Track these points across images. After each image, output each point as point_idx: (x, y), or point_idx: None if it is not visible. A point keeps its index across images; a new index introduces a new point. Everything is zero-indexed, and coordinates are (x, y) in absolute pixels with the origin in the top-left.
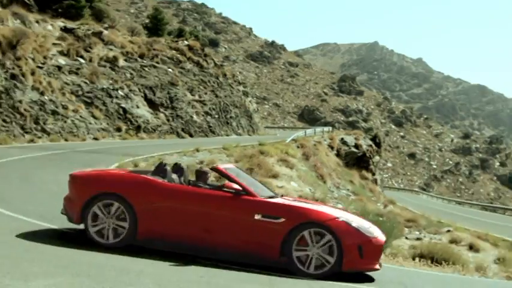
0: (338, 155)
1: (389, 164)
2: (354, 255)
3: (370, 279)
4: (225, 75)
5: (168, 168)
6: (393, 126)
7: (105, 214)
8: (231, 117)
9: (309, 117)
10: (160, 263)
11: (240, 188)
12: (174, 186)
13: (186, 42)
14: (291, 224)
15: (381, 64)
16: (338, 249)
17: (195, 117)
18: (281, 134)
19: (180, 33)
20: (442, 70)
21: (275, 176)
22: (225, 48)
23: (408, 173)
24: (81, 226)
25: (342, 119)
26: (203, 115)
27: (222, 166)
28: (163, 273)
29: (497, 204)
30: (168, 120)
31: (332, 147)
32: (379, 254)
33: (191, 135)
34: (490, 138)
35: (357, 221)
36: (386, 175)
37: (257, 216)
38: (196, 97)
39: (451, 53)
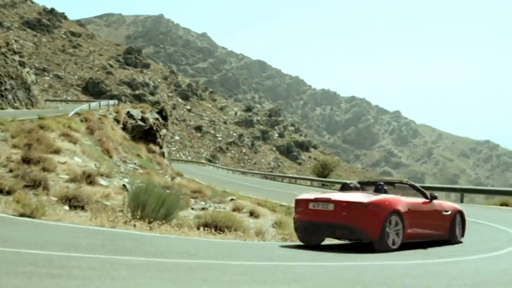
0: (124, 128)
1: (176, 137)
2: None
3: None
4: None
5: (386, 187)
6: (180, 100)
7: (391, 227)
8: (6, 89)
9: (94, 90)
10: None
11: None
12: (414, 201)
13: None
14: (453, 214)
15: (166, 37)
16: (462, 224)
17: None
18: (64, 108)
19: None
20: (226, 45)
21: (57, 152)
22: None
23: (195, 146)
24: None
25: (129, 92)
26: None
27: (397, 180)
28: None
29: (276, 172)
30: None
31: (118, 121)
32: None
33: None
34: (270, 111)
35: None
36: (174, 148)
37: (444, 212)
38: None
39: (233, 29)
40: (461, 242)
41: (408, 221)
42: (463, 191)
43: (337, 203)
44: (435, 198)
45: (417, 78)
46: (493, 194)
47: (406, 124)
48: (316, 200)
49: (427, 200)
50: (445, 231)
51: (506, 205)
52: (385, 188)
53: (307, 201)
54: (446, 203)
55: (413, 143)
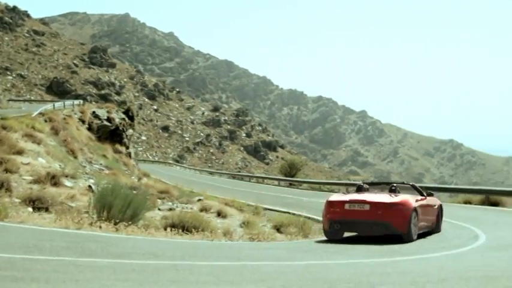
0: (90, 128)
1: (143, 138)
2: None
3: None
4: None
5: (398, 188)
6: (146, 100)
7: (413, 221)
8: None
9: (58, 90)
10: None
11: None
12: (423, 198)
13: None
14: (439, 207)
15: (133, 37)
16: (441, 216)
17: None
18: (27, 108)
19: None
20: (193, 45)
21: (20, 152)
22: None
23: (162, 146)
24: None
25: (94, 91)
26: None
27: (415, 183)
28: None
29: (244, 172)
30: None
31: (83, 121)
32: None
33: None
34: (237, 111)
35: None
36: (141, 148)
37: (435, 206)
38: None
39: (200, 29)
40: (440, 231)
41: (420, 215)
42: (428, 189)
43: (372, 203)
44: (431, 195)
45: (383, 78)
46: (457, 192)
47: (372, 124)
48: (351, 201)
49: (424, 197)
50: (433, 223)
51: (470, 203)
52: (397, 188)
53: (343, 202)
54: (433, 199)
55: (379, 143)
